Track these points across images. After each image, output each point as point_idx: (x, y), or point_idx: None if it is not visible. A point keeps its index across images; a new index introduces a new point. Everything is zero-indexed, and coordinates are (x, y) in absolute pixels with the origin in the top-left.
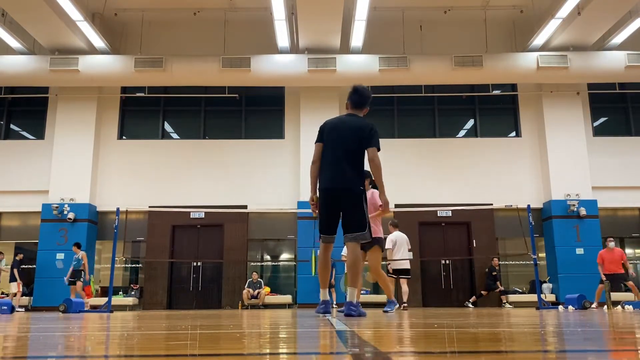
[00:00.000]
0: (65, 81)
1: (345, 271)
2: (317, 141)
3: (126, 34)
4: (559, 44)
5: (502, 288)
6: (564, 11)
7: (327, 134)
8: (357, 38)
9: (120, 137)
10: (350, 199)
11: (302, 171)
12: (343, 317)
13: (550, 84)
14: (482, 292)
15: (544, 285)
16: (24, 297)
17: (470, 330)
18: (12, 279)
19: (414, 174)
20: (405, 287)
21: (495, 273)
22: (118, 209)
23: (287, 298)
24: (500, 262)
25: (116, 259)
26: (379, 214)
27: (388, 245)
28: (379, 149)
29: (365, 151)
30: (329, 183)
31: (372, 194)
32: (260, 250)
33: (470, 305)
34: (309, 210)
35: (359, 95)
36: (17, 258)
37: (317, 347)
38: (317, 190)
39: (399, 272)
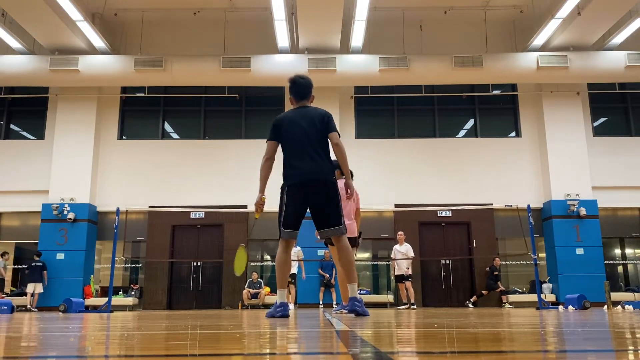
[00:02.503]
0: (65, 81)
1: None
2: (270, 139)
3: (126, 34)
4: (559, 44)
5: (502, 288)
6: (564, 11)
7: (287, 131)
8: (357, 38)
9: (120, 137)
10: (325, 191)
11: None
12: (343, 316)
13: (550, 84)
14: (483, 291)
15: (544, 285)
16: (24, 297)
17: (470, 330)
18: (38, 279)
19: (414, 174)
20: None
21: (496, 273)
22: (118, 209)
23: None
24: (500, 262)
25: (116, 259)
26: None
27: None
28: (339, 135)
29: (328, 138)
30: (302, 176)
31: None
32: (260, 250)
33: (470, 304)
34: (309, 210)
35: (299, 86)
36: (36, 258)
37: (317, 347)
38: (279, 189)
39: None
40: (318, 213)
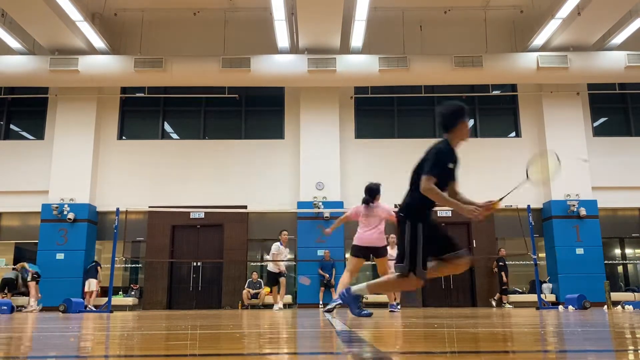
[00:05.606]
0: (65, 81)
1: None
2: None
3: (126, 34)
4: (559, 44)
5: (505, 283)
6: (564, 11)
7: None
8: (357, 38)
9: (120, 137)
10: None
11: (302, 171)
12: (342, 317)
13: (550, 84)
14: (504, 286)
15: (544, 285)
16: (24, 297)
17: (470, 330)
18: (93, 275)
19: None
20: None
21: (502, 263)
22: (118, 209)
23: (287, 298)
24: (505, 253)
25: (116, 259)
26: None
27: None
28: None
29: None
30: None
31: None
32: (260, 250)
33: (494, 302)
34: (309, 210)
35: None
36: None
37: (317, 347)
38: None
39: None
40: None
